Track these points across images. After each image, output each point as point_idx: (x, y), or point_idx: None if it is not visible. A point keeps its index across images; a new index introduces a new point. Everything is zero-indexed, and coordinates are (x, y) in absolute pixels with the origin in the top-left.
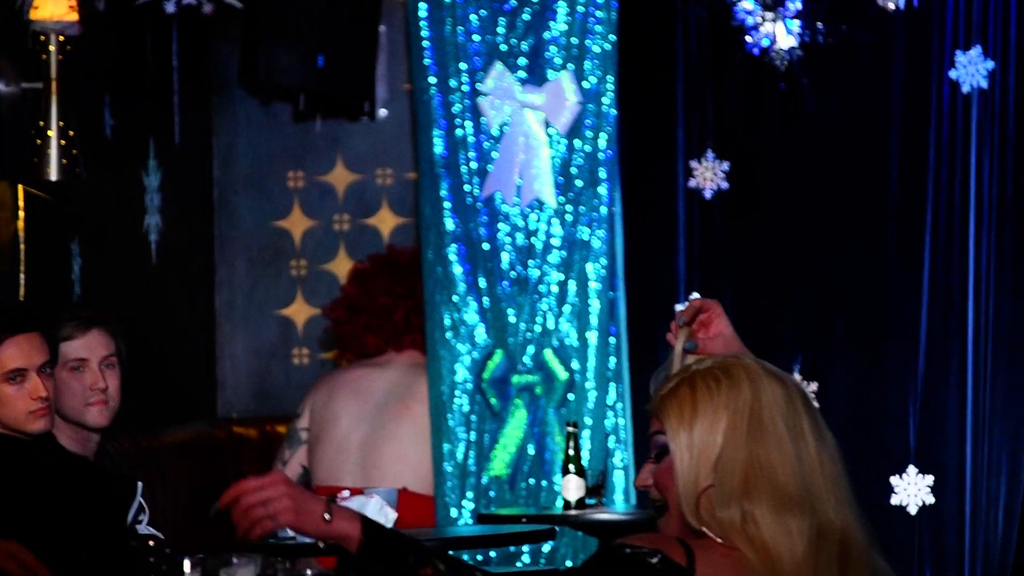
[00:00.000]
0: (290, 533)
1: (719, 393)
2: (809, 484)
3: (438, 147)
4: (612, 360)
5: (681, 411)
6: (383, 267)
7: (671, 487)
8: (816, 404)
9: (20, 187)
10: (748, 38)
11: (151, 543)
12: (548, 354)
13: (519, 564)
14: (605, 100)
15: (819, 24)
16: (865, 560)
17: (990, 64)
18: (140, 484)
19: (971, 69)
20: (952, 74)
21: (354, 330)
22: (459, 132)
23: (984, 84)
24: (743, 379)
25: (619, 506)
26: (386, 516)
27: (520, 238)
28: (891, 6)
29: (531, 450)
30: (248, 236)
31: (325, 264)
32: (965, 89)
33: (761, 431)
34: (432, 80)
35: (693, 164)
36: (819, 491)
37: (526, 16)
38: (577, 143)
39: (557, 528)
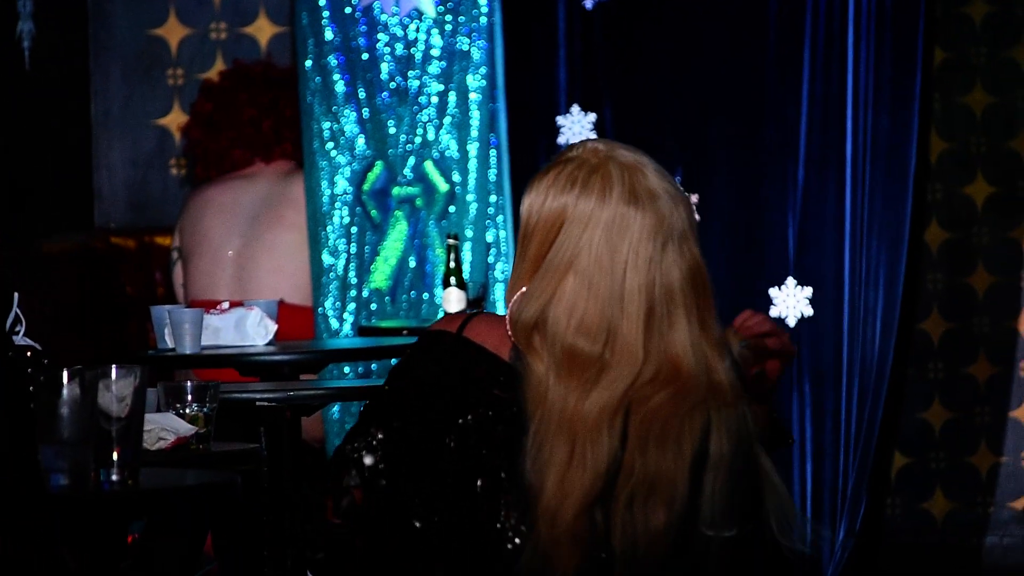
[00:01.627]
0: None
1: (570, 191)
2: (619, 325)
3: None
4: (493, 172)
5: (538, 185)
6: (241, 80)
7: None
8: (696, 217)
9: None
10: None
11: (28, 354)
12: (429, 166)
13: None
14: None
15: None
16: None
17: None
18: (16, 295)
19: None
20: None
21: (218, 147)
22: None
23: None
24: (594, 192)
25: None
26: (266, 328)
27: (399, 48)
28: None
29: (412, 262)
30: (123, 44)
31: (202, 73)
32: None
33: (593, 256)
34: None
35: None
36: (634, 335)
37: None
38: None
39: None
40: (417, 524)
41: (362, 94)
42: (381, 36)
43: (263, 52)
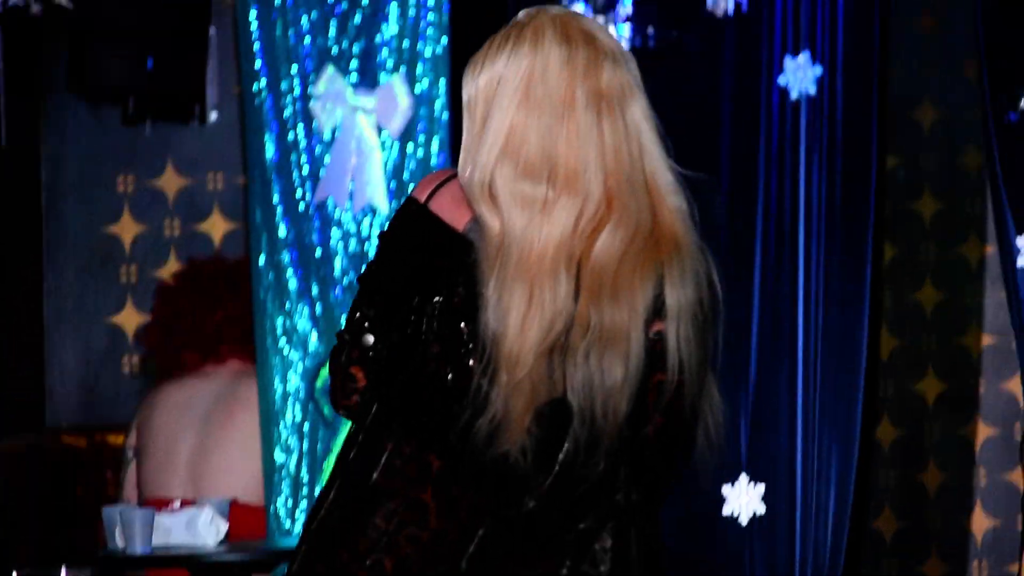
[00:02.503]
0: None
1: (504, 49)
2: (558, 158)
3: (269, 151)
4: None
5: (474, 67)
6: (186, 282)
7: None
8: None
9: None
10: None
11: None
12: None
13: None
14: (437, 104)
15: (650, 29)
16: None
17: (818, 70)
18: None
19: (799, 75)
20: (781, 80)
21: (172, 348)
22: (291, 136)
23: (812, 90)
24: (526, 43)
25: None
26: (217, 527)
27: (353, 244)
28: (720, 12)
29: None
30: (77, 242)
31: (156, 270)
32: (794, 95)
33: (528, 98)
34: (263, 83)
35: None
36: (573, 167)
37: (357, 19)
38: (410, 147)
39: None
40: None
41: (315, 290)
42: (334, 232)
43: (216, 248)
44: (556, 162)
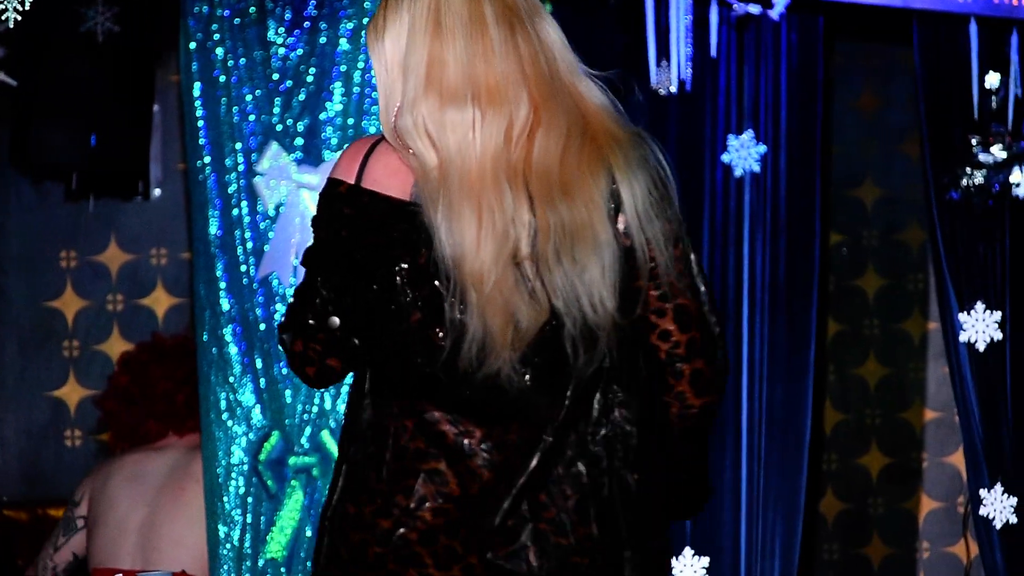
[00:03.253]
0: None
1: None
2: (478, 78)
3: (213, 227)
4: None
5: (375, 27)
6: (154, 353)
7: None
8: None
9: None
10: None
11: None
12: (325, 435)
13: None
14: None
15: None
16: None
17: (762, 148)
18: None
19: (743, 153)
20: (724, 158)
21: (132, 420)
22: (235, 212)
23: (756, 168)
24: None
25: None
26: None
27: None
28: (664, 90)
29: (308, 532)
30: (19, 316)
31: (98, 345)
32: (737, 173)
33: (438, 28)
34: (207, 159)
35: None
36: (495, 82)
37: (301, 96)
38: None
39: None
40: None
41: (259, 364)
42: (279, 307)
43: (160, 323)
44: (477, 82)
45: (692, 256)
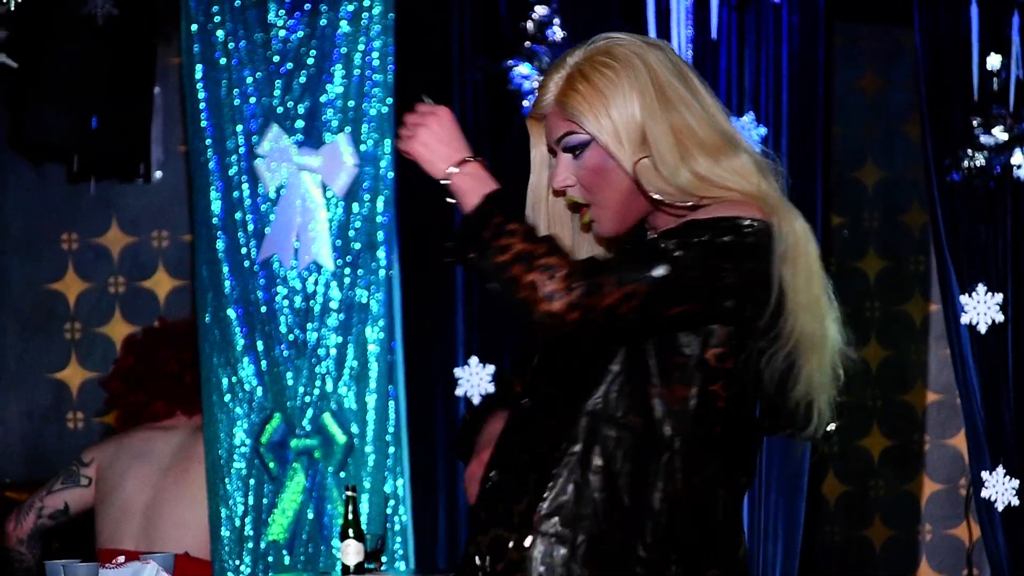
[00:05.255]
0: None
1: (619, 76)
2: (723, 125)
3: (215, 209)
4: (391, 423)
5: (590, 101)
6: (162, 336)
7: (598, 182)
8: None
9: None
10: (525, 103)
11: None
12: (327, 418)
13: None
14: (382, 163)
15: None
16: None
17: (763, 130)
18: None
19: (744, 135)
20: None
21: (140, 401)
22: (236, 194)
23: (757, 151)
24: (630, 54)
25: (398, 570)
26: None
27: (298, 301)
28: None
29: (310, 514)
30: (20, 298)
31: (100, 327)
32: None
33: (667, 98)
34: (208, 142)
35: None
36: (731, 128)
37: (302, 79)
38: (355, 206)
39: None
40: None
41: (260, 346)
42: (280, 289)
43: (161, 305)
44: (728, 128)
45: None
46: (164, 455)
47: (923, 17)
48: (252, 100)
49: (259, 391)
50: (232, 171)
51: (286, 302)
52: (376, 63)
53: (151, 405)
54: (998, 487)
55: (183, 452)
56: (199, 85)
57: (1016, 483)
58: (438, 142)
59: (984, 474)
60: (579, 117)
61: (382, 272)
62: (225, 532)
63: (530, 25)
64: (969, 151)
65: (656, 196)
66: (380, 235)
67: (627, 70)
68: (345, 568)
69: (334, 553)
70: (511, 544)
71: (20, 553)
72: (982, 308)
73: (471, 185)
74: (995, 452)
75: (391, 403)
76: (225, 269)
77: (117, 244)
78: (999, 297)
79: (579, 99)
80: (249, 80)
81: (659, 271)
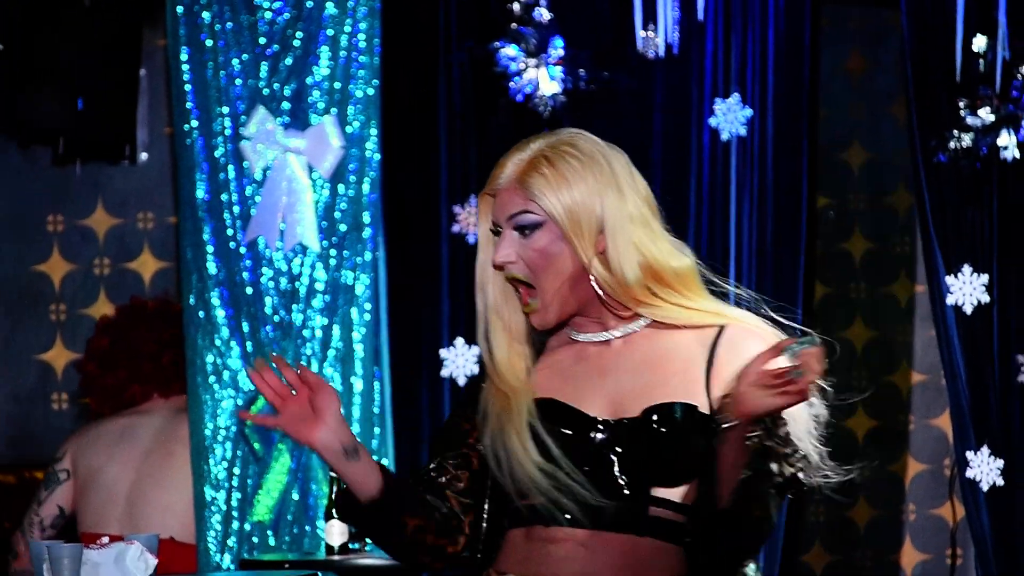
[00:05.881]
0: None
1: (584, 167)
2: (663, 230)
3: (200, 191)
4: (376, 405)
5: (556, 188)
6: (138, 316)
7: (544, 265)
8: None
9: None
10: (511, 84)
11: None
12: None
13: None
14: (368, 145)
15: (581, 71)
16: None
17: (748, 112)
18: None
19: (730, 117)
20: (712, 121)
21: (115, 382)
22: (222, 176)
23: (743, 132)
24: (596, 152)
25: (382, 551)
26: (146, 562)
27: (284, 282)
28: (651, 54)
29: (295, 495)
30: (6, 280)
31: (85, 308)
32: (724, 136)
33: (624, 195)
34: (194, 124)
35: (456, 209)
36: (669, 235)
37: (288, 61)
38: (340, 188)
39: (320, 574)
40: None
41: (246, 328)
42: (265, 271)
43: (147, 287)
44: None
45: None
46: (146, 438)
47: None
48: (238, 82)
49: (244, 373)
50: (218, 153)
51: (271, 284)
52: (362, 45)
53: (127, 388)
54: (983, 467)
55: (165, 434)
56: (185, 67)
57: (1001, 463)
58: (340, 426)
59: (969, 454)
60: (539, 198)
61: (368, 254)
62: (210, 513)
63: (516, 7)
64: (955, 132)
65: (601, 291)
66: (366, 217)
67: (592, 163)
68: (330, 548)
69: (319, 534)
70: None
71: (31, 574)
72: (968, 289)
73: (367, 474)
74: (980, 432)
75: (376, 384)
76: (210, 251)
77: (103, 226)
78: (984, 278)
79: (542, 180)
80: (235, 62)
81: None
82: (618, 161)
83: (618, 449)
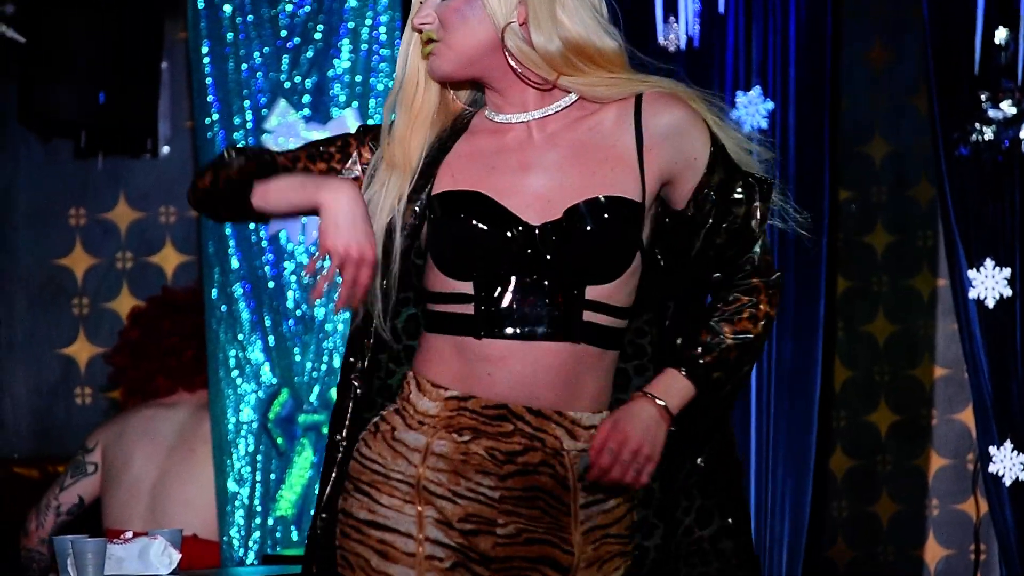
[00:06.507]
0: None
1: None
2: (592, 8)
3: None
4: None
5: None
6: (165, 308)
7: (456, 22)
8: None
9: None
10: None
11: None
12: (335, 392)
13: None
14: None
15: None
16: None
17: (770, 104)
18: None
19: (751, 109)
20: (733, 115)
21: (141, 374)
22: None
23: (764, 124)
24: None
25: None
26: (170, 556)
27: (306, 276)
28: (672, 47)
29: (317, 490)
30: (28, 274)
31: (108, 302)
32: (745, 129)
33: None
34: (215, 117)
35: None
36: (599, 15)
37: (309, 54)
38: None
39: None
40: None
41: (268, 322)
42: (287, 264)
43: (169, 281)
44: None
45: None
46: (169, 434)
47: None
48: (259, 75)
49: (266, 367)
50: (240, 146)
51: (293, 277)
52: (383, 38)
53: (153, 380)
54: (1006, 462)
55: (188, 431)
56: (206, 60)
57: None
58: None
59: (992, 449)
60: None
61: None
62: (233, 508)
63: None
64: (977, 125)
65: (515, 63)
66: None
67: None
68: None
69: None
70: None
71: (39, 553)
72: (990, 283)
73: None
74: (1003, 427)
75: None
76: (232, 244)
77: (124, 219)
78: (1007, 272)
79: None
80: (256, 55)
81: None
82: None
83: (546, 255)
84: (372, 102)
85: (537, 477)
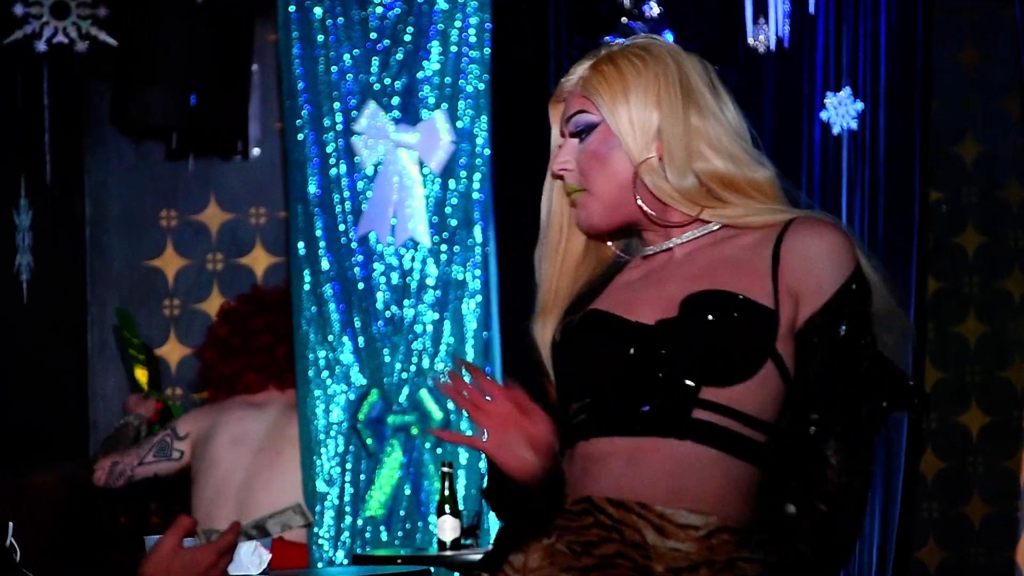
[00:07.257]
0: None
1: (647, 67)
2: (747, 141)
3: (312, 186)
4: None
5: (612, 87)
6: (257, 306)
7: (596, 167)
8: None
9: None
10: None
11: None
12: (423, 394)
13: None
14: (479, 140)
15: None
16: None
17: (860, 105)
18: (11, 524)
19: (841, 110)
20: (823, 115)
21: (233, 371)
22: (333, 171)
23: (854, 125)
24: (665, 53)
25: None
26: (260, 557)
27: (395, 277)
28: (762, 48)
29: (407, 491)
30: (120, 275)
31: (198, 303)
32: (836, 130)
33: (692, 101)
34: (305, 119)
35: None
36: (748, 146)
37: (399, 56)
38: (451, 183)
39: (432, 569)
40: None
41: (358, 323)
42: (377, 266)
43: (259, 282)
44: (745, 146)
45: None
46: (257, 435)
47: None
48: (349, 77)
49: (356, 367)
50: (329, 148)
51: (383, 279)
52: (473, 40)
53: (243, 377)
54: None
55: (276, 432)
56: (296, 62)
57: None
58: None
59: None
60: (595, 96)
61: (478, 249)
62: (322, 508)
63: (627, 1)
64: None
65: (652, 199)
66: (476, 212)
67: (657, 65)
68: (442, 544)
69: (431, 529)
70: None
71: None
72: None
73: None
74: None
75: None
76: (322, 246)
77: (215, 221)
78: None
79: (600, 79)
80: (346, 57)
81: None
82: (692, 63)
83: (661, 351)
84: (461, 104)
85: (614, 571)
